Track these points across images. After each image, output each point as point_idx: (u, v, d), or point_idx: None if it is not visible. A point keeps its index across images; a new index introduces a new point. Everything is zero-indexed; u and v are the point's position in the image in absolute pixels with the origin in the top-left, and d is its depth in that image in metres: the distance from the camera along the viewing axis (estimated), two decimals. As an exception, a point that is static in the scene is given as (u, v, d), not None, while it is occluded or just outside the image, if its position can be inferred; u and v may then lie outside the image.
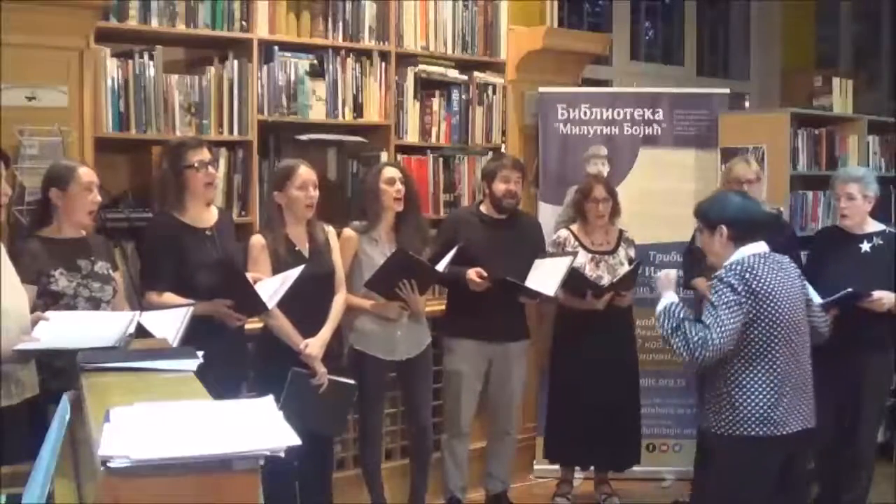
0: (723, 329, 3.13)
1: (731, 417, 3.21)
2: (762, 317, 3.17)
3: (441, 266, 4.11)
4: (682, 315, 3.26)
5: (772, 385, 3.18)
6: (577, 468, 4.95)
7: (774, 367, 3.19)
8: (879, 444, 5.03)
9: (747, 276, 3.18)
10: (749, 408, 3.18)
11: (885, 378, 4.55)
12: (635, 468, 4.81)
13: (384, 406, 4.39)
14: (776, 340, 3.19)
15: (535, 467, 5.16)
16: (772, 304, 3.17)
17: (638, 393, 4.73)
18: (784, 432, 3.19)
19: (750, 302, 3.16)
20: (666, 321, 3.27)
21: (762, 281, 3.18)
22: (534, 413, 5.13)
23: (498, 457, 4.67)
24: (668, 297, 3.34)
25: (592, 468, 4.90)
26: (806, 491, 3.98)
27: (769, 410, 3.17)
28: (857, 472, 4.34)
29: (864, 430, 4.34)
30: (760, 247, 3.29)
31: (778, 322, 3.18)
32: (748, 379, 3.20)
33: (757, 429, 3.18)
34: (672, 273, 3.49)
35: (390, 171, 4.15)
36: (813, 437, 3.37)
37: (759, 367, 3.19)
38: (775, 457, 3.22)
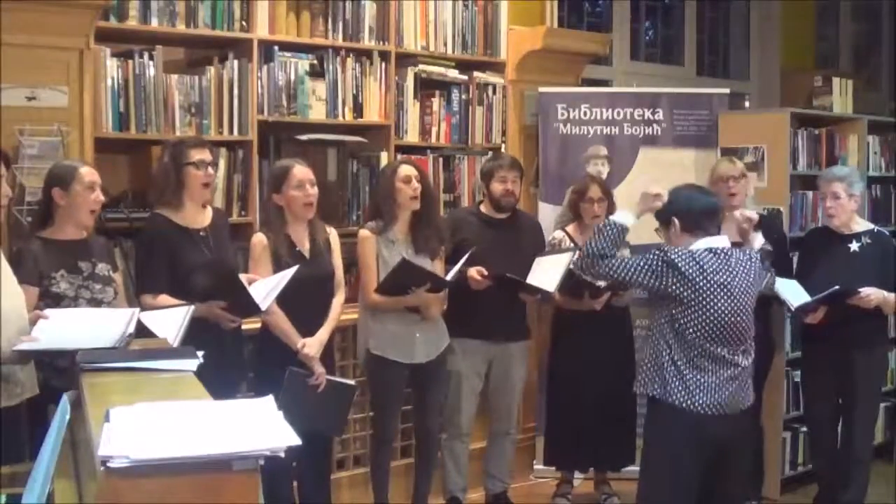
0: (622, 268, 3.37)
1: (664, 385, 3.32)
2: (697, 303, 3.26)
3: (451, 275, 4.10)
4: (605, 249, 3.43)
5: (703, 368, 3.28)
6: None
7: (708, 355, 3.28)
8: (879, 444, 5.05)
9: (687, 262, 3.27)
10: (682, 381, 3.29)
11: (877, 375, 4.58)
12: (636, 468, 4.80)
13: (400, 408, 4.38)
14: (713, 331, 3.27)
15: (535, 467, 5.16)
16: (711, 296, 3.26)
17: (634, 393, 4.72)
18: (709, 412, 3.28)
19: (672, 279, 3.27)
20: (599, 239, 3.44)
21: (705, 272, 3.26)
22: (534, 413, 5.12)
23: (498, 457, 4.67)
24: (624, 217, 3.51)
25: (592, 469, 4.90)
26: (744, 485, 4.07)
27: (698, 388, 3.28)
28: (855, 471, 4.35)
29: (860, 427, 4.36)
30: (719, 241, 3.37)
31: (715, 313, 3.26)
32: (682, 363, 3.29)
33: (682, 401, 3.28)
34: (653, 197, 3.53)
35: (406, 170, 4.12)
36: (747, 425, 3.50)
37: (693, 353, 3.29)
38: (699, 433, 3.29)
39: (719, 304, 3.26)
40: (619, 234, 3.44)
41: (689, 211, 3.40)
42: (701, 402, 3.28)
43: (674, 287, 3.28)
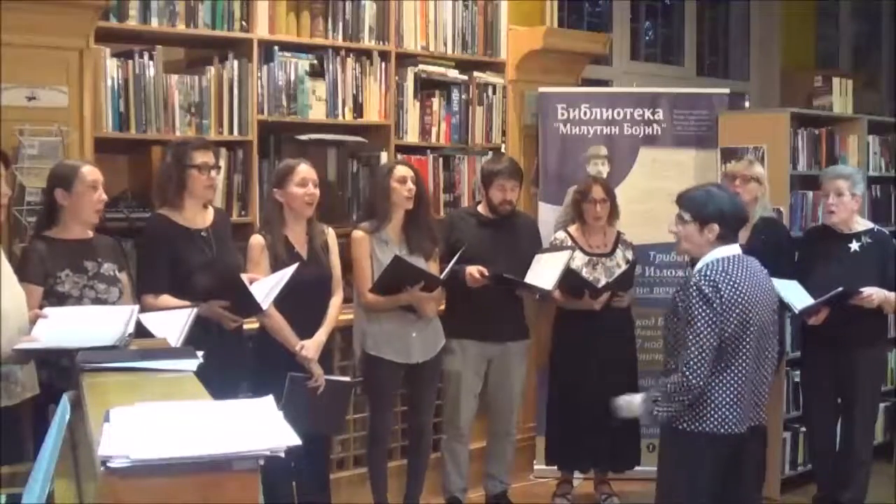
0: (698, 361, 3.14)
1: (692, 413, 3.22)
2: (732, 320, 3.16)
3: (444, 274, 4.11)
4: (659, 395, 3.28)
5: (735, 385, 3.20)
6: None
7: (739, 368, 3.20)
8: (879, 444, 5.05)
9: (720, 279, 3.17)
10: (711, 406, 3.19)
11: (877, 375, 4.59)
12: (635, 468, 4.81)
13: (394, 408, 4.39)
14: (744, 343, 3.19)
15: (535, 467, 5.16)
16: (743, 308, 3.17)
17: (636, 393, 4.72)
18: (740, 430, 3.23)
19: (721, 306, 3.15)
20: (666, 406, 3.27)
21: (735, 284, 3.17)
22: (534, 413, 5.12)
23: (498, 457, 4.67)
24: (639, 406, 3.41)
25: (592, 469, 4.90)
26: (759, 477, 4.12)
27: (729, 410, 3.19)
28: (855, 471, 4.36)
29: (860, 427, 4.37)
30: (734, 249, 3.29)
31: (747, 325, 3.18)
32: (713, 378, 3.19)
33: (716, 427, 3.20)
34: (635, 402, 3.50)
35: (402, 170, 4.13)
36: (764, 432, 3.44)
37: (724, 368, 3.19)
38: (729, 451, 3.26)
39: (752, 309, 3.18)
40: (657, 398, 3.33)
41: (733, 219, 3.29)
42: (739, 420, 3.21)
43: (730, 318, 3.17)
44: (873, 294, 4.12)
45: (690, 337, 3.15)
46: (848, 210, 4.32)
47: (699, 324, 3.14)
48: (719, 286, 3.16)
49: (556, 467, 4.92)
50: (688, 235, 3.32)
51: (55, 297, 3.26)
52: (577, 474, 4.97)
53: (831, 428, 4.51)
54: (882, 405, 5.06)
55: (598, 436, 4.59)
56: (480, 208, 4.59)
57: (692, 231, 3.30)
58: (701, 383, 3.15)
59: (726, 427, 3.20)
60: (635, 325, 4.82)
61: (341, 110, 4.61)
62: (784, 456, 4.98)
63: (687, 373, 3.15)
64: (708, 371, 3.15)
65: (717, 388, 3.19)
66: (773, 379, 3.49)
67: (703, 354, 3.14)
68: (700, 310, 3.14)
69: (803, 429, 4.92)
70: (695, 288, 3.18)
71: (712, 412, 3.19)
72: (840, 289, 4.06)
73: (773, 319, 3.34)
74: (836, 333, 4.21)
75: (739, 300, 3.17)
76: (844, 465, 4.38)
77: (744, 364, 3.20)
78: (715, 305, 3.14)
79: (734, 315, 3.17)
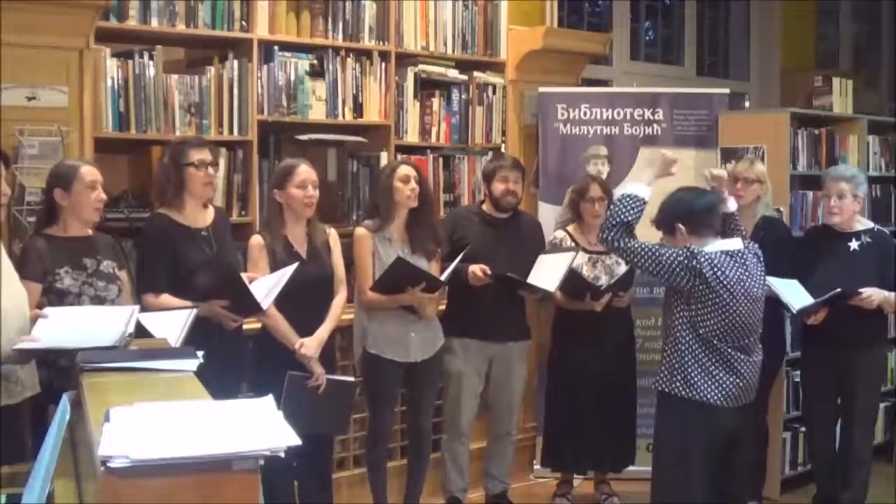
0: (646, 257, 3.37)
1: (683, 384, 3.39)
2: (719, 306, 3.32)
3: (445, 274, 4.11)
4: (629, 218, 3.45)
5: (722, 368, 3.37)
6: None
7: (725, 351, 3.37)
8: (879, 444, 5.05)
9: (707, 264, 3.30)
10: (701, 383, 3.37)
11: (877, 375, 4.58)
12: (636, 468, 4.81)
13: (394, 408, 4.39)
14: (729, 330, 3.35)
15: (535, 467, 5.16)
16: (730, 298, 3.31)
17: (635, 393, 4.72)
18: (733, 405, 3.40)
19: (697, 282, 3.31)
20: (621, 210, 3.46)
21: (724, 274, 3.31)
22: (534, 413, 5.12)
23: (498, 457, 4.67)
24: (639, 189, 3.51)
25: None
26: (759, 477, 4.33)
27: (719, 387, 3.37)
28: (855, 471, 4.35)
29: (859, 427, 4.37)
30: (736, 243, 3.42)
31: (732, 315, 3.33)
32: (702, 358, 3.37)
33: (706, 396, 3.37)
34: (671, 162, 3.64)
35: (405, 169, 4.13)
36: (764, 433, 3.66)
37: (711, 351, 3.36)
38: (721, 429, 3.40)
39: (740, 307, 3.34)
40: (640, 206, 3.46)
41: (692, 213, 3.41)
42: (720, 395, 3.36)
43: (697, 290, 3.33)
44: (872, 295, 4.12)
45: (655, 249, 3.37)
46: (849, 212, 4.32)
47: (665, 250, 3.35)
48: (705, 267, 3.30)
49: (552, 469, 4.92)
50: (672, 244, 3.50)
51: (54, 294, 3.26)
52: (576, 474, 4.97)
53: (831, 428, 4.50)
54: (882, 405, 5.07)
55: (597, 436, 4.59)
56: (484, 207, 4.59)
57: (670, 240, 3.49)
58: (610, 242, 3.40)
59: (713, 398, 3.36)
60: (635, 324, 4.82)
61: (341, 110, 4.61)
62: (784, 456, 4.99)
63: (628, 241, 3.41)
64: (635, 258, 3.39)
65: (709, 363, 3.36)
66: (774, 380, 3.55)
67: (648, 257, 3.35)
68: (675, 254, 3.33)
69: (803, 429, 4.92)
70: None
71: (702, 382, 3.37)
72: (838, 289, 4.06)
73: (760, 312, 3.47)
74: (836, 334, 4.21)
75: (726, 290, 3.31)
76: (844, 465, 4.38)
77: (730, 348, 3.38)
78: (686, 258, 3.30)
79: (719, 302, 3.32)
